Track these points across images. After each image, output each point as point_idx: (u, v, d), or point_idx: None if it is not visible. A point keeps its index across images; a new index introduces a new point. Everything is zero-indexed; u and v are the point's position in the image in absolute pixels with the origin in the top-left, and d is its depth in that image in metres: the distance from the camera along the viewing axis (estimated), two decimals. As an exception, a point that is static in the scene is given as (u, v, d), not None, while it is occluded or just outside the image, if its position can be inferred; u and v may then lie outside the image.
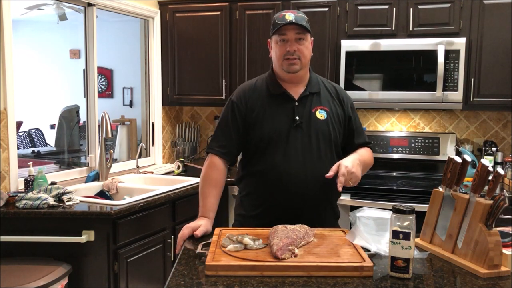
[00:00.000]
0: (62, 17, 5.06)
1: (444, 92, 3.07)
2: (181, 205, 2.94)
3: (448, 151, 3.36)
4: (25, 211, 2.35)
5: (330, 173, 1.67)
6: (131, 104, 6.17)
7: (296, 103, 1.83)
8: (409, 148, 3.45)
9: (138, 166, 3.48)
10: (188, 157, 4.00)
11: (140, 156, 3.54)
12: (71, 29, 6.03)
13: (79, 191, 2.84)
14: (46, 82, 6.82)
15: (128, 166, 3.54)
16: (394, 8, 3.20)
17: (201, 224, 1.70)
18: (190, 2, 3.66)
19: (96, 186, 3.03)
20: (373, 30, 3.25)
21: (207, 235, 1.68)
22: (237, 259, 1.36)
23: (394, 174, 3.45)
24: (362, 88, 3.24)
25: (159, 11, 3.74)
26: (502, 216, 1.39)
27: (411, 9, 3.16)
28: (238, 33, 3.55)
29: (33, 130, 6.43)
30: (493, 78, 3.07)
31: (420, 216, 1.46)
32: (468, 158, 1.53)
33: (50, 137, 6.19)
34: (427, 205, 1.63)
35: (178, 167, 3.56)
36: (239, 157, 1.96)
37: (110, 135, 3.07)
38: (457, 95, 3.07)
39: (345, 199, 2.95)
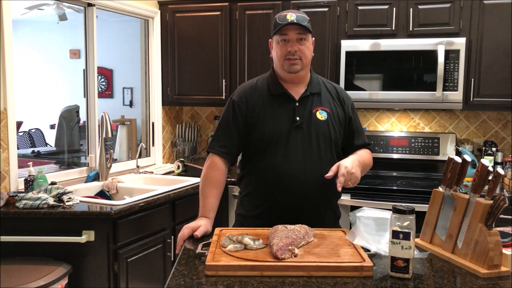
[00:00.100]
0: (62, 17, 5.06)
1: (444, 92, 3.07)
2: (181, 205, 2.94)
3: (448, 151, 3.36)
4: (25, 211, 2.35)
5: (330, 174, 1.67)
6: (131, 104, 6.17)
7: (297, 104, 1.83)
8: (409, 148, 3.45)
9: (138, 166, 3.48)
10: (188, 157, 4.00)
11: (140, 156, 3.54)
12: (71, 29, 6.03)
13: (79, 191, 2.84)
14: (46, 82, 6.81)
15: (128, 166, 3.54)
16: (394, 8, 3.20)
17: (201, 224, 1.70)
18: (190, 2, 3.66)
19: (96, 186, 3.03)
20: (373, 30, 3.25)
21: (207, 235, 1.68)
22: (237, 259, 1.36)
23: (394, 174, 3.45)
24: (362, 88, 3.24)
25: (159, 11, 3.74)
26: (502, 216, 1.39)
27: (411, 9, 3.16)
28: (238, 33, 3.55)
29: (33, 130, 6.43)
30: (493, 78, 3.07)
31: (420, 216, 1.46)
32: (468, 158, 1.53)
33: (50, 137, 6.19)
34: (427, 205, 1.63)
35: (178, 167, 3.56)
36: (239, 157, 1.96)
37: (110, 135, 3.07)
38: (457, 95, 3.07)
39: (345, 199, 2.95)
